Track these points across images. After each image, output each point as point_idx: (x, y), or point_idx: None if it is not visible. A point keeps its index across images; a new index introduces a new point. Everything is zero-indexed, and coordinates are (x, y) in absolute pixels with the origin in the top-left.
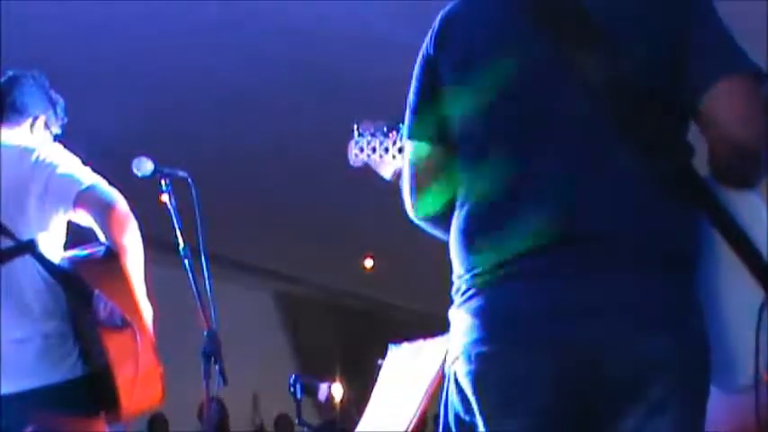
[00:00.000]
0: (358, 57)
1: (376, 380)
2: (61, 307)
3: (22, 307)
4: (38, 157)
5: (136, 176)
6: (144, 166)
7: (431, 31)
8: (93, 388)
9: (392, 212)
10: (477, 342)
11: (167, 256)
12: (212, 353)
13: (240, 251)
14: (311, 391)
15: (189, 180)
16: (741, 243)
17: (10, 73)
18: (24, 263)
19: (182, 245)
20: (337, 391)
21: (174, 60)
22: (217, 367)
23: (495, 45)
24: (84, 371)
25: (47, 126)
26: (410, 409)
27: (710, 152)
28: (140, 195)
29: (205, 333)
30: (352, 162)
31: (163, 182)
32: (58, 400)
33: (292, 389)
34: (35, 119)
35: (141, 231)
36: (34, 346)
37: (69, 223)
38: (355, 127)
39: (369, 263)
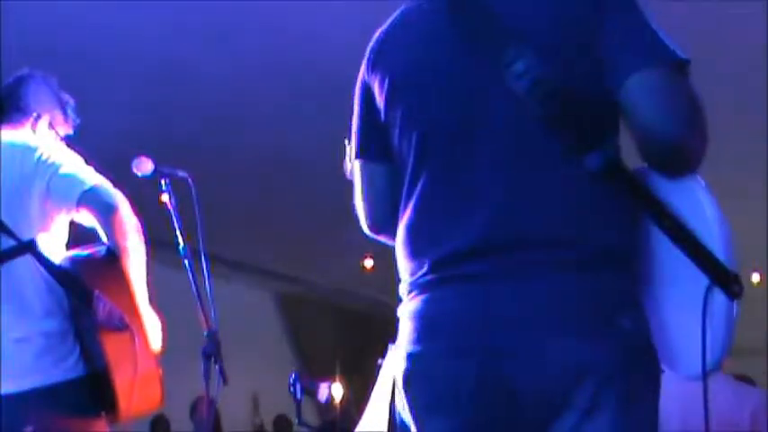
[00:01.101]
0: (358, 57)
1: (376, 380)
2: (62, 306)
3: (23, 306)
4: (40, 157)
5: (136, 176)
6: (144, 166)
7: (366, 53)
8: (94, 388)
9: None
10: (410, 343)
11: (167, 255)
12: (212, 353)
13: (240, 251)
14: (311, 392)
15: (189, 180)
16: (678, 232)
17: (20, 72)
18: (25, 262)
19: (182, 245)
20: (337, 391)
21: (175, 60)
22: (217, 367)
23: (421, 63)
24: (85, 371)
25: (51, 126)
26: None
27: (636, 144)
28: (140, 195)
29: (205, 333)
30: (348, 176)
31: (163, 182)
32: (59, 399)
33: (292, 389)
34: (38, 118)
35: (140, 230)
36: (35, 345)
37: (71, 223)
38: (346, 142)
39: (369, 263)
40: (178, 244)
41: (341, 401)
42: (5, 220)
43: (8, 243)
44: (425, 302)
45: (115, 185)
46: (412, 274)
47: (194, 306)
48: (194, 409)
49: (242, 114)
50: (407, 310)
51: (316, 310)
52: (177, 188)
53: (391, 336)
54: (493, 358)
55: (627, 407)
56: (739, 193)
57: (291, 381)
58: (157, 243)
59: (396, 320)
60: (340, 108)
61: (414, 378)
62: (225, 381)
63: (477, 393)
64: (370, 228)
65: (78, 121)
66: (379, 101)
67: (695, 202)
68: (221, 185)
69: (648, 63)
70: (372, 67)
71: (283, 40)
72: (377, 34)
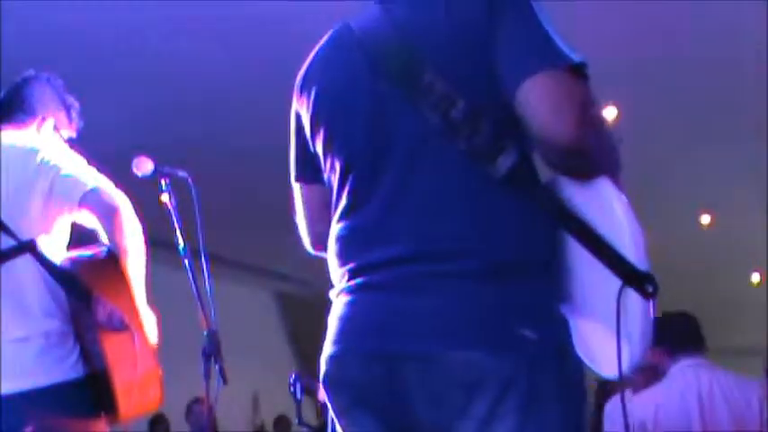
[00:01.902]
0: None
1: None
2: (62, 307)
3: (23, 306)
4: (43, 158)
5: (136, 176)
6: (144, 166)
7: (296, 81)
8: (94, 388)
9: None
10: (328, 345)
11: (167, 255)
12: (212, 353)
13: (240, 251)
14: (311, 391)
15: (189, 180)
16: (586, 235)
17: (26, 73)
18: (26, 262)
19: (182, 245)
20: None
21: (175, 60)
22: (217, 367)
23: (337, 89)
24: (85, 371)
25: (55, 128)
26: None
27: (536, 150)
28: (140, 195)
29: (205, 333)
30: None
31: (163, 182)
32: (59, 399)
33: (292, 389)
34: (43, 120)
35: (141, 231)
36: (35, 345)
37: (73, 224)
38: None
39: None
40: (178, 244)
41: None
42: (7, 220)
43: (8, 243)
44: (344, 306)
45: (116, 186)
46: (338, 282)
47: (194, 306)
48: (189, 410)
49: (242, 114)
50: (332, 313)
51: (316, 310)
52: (177, 188)
53: None
54: (395, 365)
55: (529, 417)
56: (739, 194)
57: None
58: (157, 243)
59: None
60: None
61: (330, 380)
62: (225, 381)
63: (383, 399)
64: (312, 245)
65: (82, 123)
66: (307, 127)
67: (605, 205)
68: (221, 185)
69: (540, 68)
70: (299, 95)
71: (284, 39)
72: (305, 63)
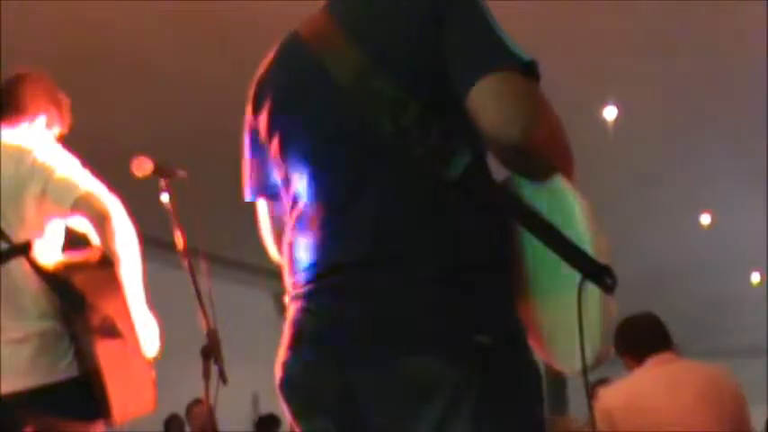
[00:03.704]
0: None
1: None
2: (57, 307)
3: (19, 307)
4: (36, 159)
5: (136, 176)
6: (144, 166)
7: (250, 94)
8: (89, 389)
9: None
10: (281, 349)
11: (167, 256)
12: (212, 353)
13: (240, 251)
14: None
15: (189, 180)
16: (543, 230)
17: (17, 71)
18: (21, 264)
19: (181, 245)
20: None
21: (175, 60)
22: (216, 367)
23: (285, 96)
24: (81, 371)
25: (48, 126)
26: None
27: (489, 150)
28: (140, 195)
29: (205, 333)
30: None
31: (162, 182)
32: (56, 400)
33: None
34: (35, 118)
35: (141, 231)
36: (31, 345)
37: (67, 226)
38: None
39: None
40: (178, 244)
41: None
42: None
43: (2, 246)
44: (296, 312)
45: (115, 186)
46: (291, 288)
47: (194, 306)
48: (189, 412)
49: (242, 115)
50: (287, 319)
51: None
52: (177, 188)
53: None
54: (347, 370)
55: (483, 421)
56: (739, 194)
57: None
58: (157, 243)
59: None
60: None
61: (286, 384)
62: (224, 381)
63: (335, 402)
64: (281, 256)
65: (73, 120)
66: (263, 140)
67: (562, 202)
68: (221, 185)
69: (490, 69)
70: (253, 109)
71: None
72: (255, 76)
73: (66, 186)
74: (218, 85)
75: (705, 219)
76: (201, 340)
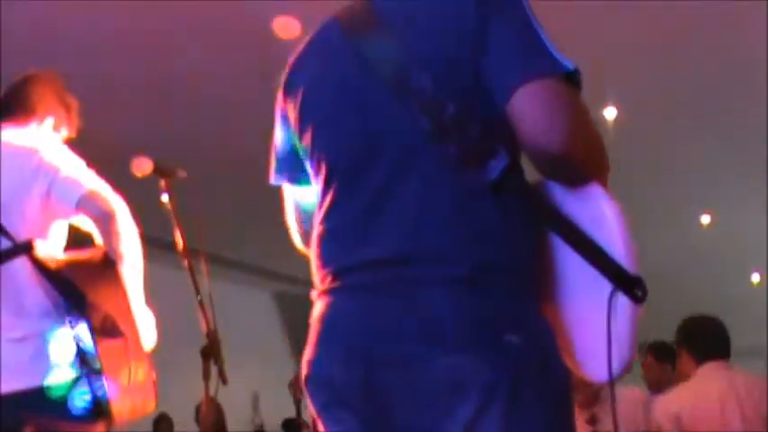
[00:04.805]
0: None
1: None
2: (59, 307)
3: (21, 307)
4: (42, 159)
5: (136, 176)
6: (144, 166)
7: (281, 80)
8: (90, 389)
9: None
10: (308, 346)
11: (167, 255)
12: (212, 353)
13: (240, 251)
14: None
15: (189, 180)
16: (577, 239)
17: (27, 72)
18: (23, 263)
19: (181, 245)
20: None
21: (175, 60)
22: (216, 367)
23: (322, 86)
24: (81, 372)
25: (55, 127)
26: None
27: (527, 157)
28: (140, 195)
29: (205, 333)
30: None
31: (163, 182)
32: (57, 400)
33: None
34: (42, 119)
35: (141, 231)
36: (32, 345)
37: (70, 226)
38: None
39: None
40: (178, 244)
41: None
42: (4, 221)
43: (6, 244)
44: (324, 308)
45: (115, 186)
46: (320, 282)
47: (194, 306)
48: (199, 411)
49: (242, 114)
50: (313, 314)
51: None
52: (177, 188)
53: None
54: (376, 368)
55: (512, 421)
56: (739, 194)
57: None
58: (157, 243)
59: None
60: None
61: (310, 380)
62: (224, 381)
63: (361, 400)
64: (303, 244)
65: (81, 123)
66: (294, 126)
67: (596, 209)
68: (221, 185)
69: (533, 76)
70: (285, 95)
71: (284, 39)
72: (289, 62)
73: (71, 185)
74: (218, 86)
75: (705, 219)
76: (201, 340)
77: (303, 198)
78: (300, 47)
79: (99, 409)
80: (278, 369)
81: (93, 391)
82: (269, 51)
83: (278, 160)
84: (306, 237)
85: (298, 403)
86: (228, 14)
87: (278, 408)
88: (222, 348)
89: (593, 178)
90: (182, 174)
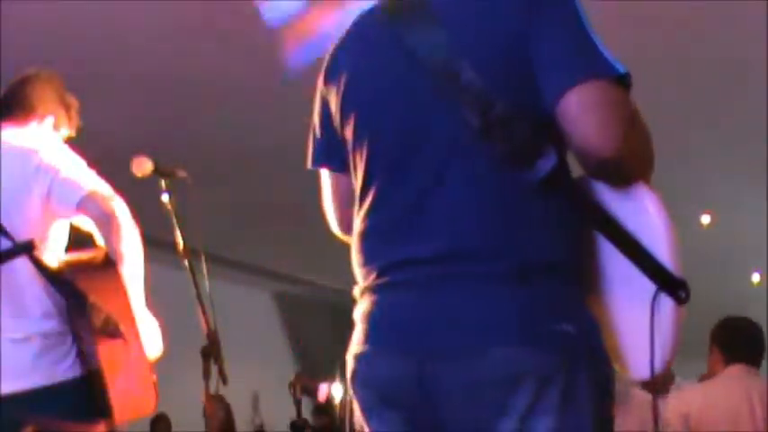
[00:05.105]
0: None
1: None
2: (60, 307)
3: (22, 307)
4: (42, 159)
5: (136, 176)
6: (144, 166)
7: (323, 65)
8: (91, 390)
9: None
10: (357, 344)
11: (167, 256)
12: (212, 353)
13: (240, 251)
14: (311, 391)
15: (189, 180)
16: (623, 239)
17: (26, 71)
18: (24, 263)
19: (181, 245)
20: (337, 391)
21: (175, 60)
22: (216, 367)
23: (367, 75)
24: (83, 372)
25: (55, 127)
26: None
27: (575, 158)
28: (140, 195)
29: (205, 333)
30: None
31: (163, 182)
32: (58, 400)
33: (292, 389)
34: (42, 118)
35: (141, 231)
36: (34, 345)
37: (71, 226)
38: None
39: None
40: (178, 244)
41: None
42: (4, 221)
43: (6, 244)
44: (372, 305)
45: (115, 186)
46: (363, 280)
47: (194, 306)
48: (205, 409)
49: (242, 114)
50: (358, 312)
51: (315, 310)
52: (177, 188)
53: None
54: (429, 363)
55: (567, 412)
56: (739, 194)
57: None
58: (157, 243)
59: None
60: None
61: (361, 377)
62: (224, 381)
63: (412, 398)
64: (341, 230)
65: (81, 122)
66: (335, 113)
67: (641, 209)
68: (221, 185)
69: (585, 78)
70: (326, 79)
71: (284, 40)
72: (332, 46)
73: (72, 186)
74: (219, 86)
75: (705, 219)
76: (201, 340)
77: (344, 185)
78: (344, 31)
79: (99, 409)
80: (278, 369)
81: (93, 392)
82: (269, 52)
83: (316, 145)
84: (344, 222)
85: (298, 403)
86: (229, 15)
87: (278, 408)
88: (222, 348)
89: (639, 179)
90: (182, 174)
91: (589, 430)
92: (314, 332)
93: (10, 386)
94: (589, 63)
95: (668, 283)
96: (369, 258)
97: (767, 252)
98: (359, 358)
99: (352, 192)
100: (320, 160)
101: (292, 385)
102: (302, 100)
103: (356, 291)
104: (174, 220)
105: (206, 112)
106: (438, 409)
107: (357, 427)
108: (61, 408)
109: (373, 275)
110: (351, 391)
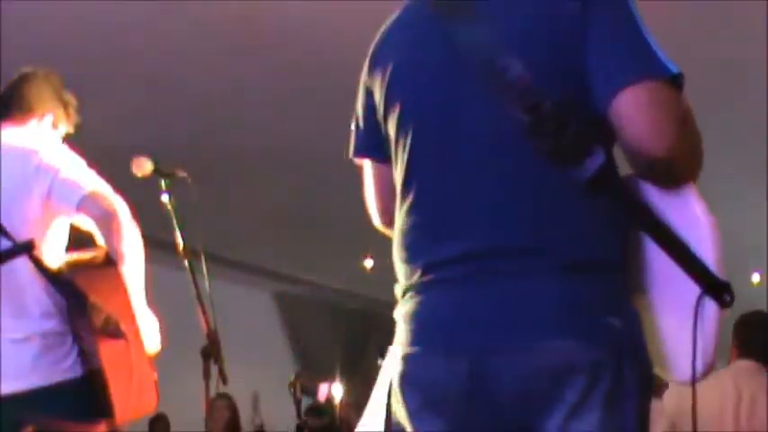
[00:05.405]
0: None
1: (376, 380)
2: (60, 307)
3: (22, 307)
4: (42, 159)
5: (136, 176)
6: (144, 166)
7: (368, 55)
8: (92, 389)
9: None
10: (404, 345)
11: (167, 256)
12: (212, 353)
13: (240, 251)
14: (311, 391)
15: (189, 180)
16: (670, 241)
17: (24, 70)
18: (24, 263)
19: (181, 245)
20: (337, 391)
21: (175, 60)
22: (216, 367)
23: (412, 67)
24: (83, 372)
25: (53, 125)
26: None
27: (626, 158)
28: (140, 195)
29: (205, 333)
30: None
31: (163, 182)
32: (58, 400)
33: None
34: (41, 117)
35: (141, 231)
36: (34, 345)
37: (71, 226)
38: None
39: (369, 263)
40: (178, 244)
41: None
42: (4, 221)
43: (6, 244)
44: (418, 304)
45: (115, 186)
46: (407, 278)
47: (194, 306)
48: (212, 407)
49: (242, 114)
50: (402, 311)
51: (315, 310)
52: (177, 188)
53: (391, 336)
54: (480, 360)
55: (614, 406)
56: (740, 194)
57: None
58: (157, 243)
59: (395, 321)
60: (341, 107)
61: (409, 379)
62: (224, 381)
63: (468, 392)
64: (383, 223)
65: (79, 119)
66: (378, 104)
67: (688, 210)
68: (221, 185)
69: (639, 78)
70: (371, 69)
71: (284, 38)
72: (377, 35)
73: (72, 186)
74: (219, 86)
75: None
76: (201, 340)
77: (387, 177)
78: (390, 21)
79: (100, 409)
80: (278, 369)
81: (94, 392)
82: (270, 52)
83: (358, 135)
84: (386, 214)
85: (298, 403)
86: (229, 15)
87: (278, 408)
88: (222, 348)
89: (688, 181)
90: (182, 174)
91: (633, 425)
92: (314, 332)
93: (10, 386)
94: (643, 63)
95: (713, 287)
96: (412, 255)
97: (767, 252)
98: (408, 359)
99: (393, 184)
100: (361, 151)
101: (292, 385)
102: (302, 101)
103: (398, 289)
104: (174, 220)
105: (206, 112)
106: (487, 407)
107: (398, 428)
108: (62, 408)
109: (417, 273)
110: (396, 393)
